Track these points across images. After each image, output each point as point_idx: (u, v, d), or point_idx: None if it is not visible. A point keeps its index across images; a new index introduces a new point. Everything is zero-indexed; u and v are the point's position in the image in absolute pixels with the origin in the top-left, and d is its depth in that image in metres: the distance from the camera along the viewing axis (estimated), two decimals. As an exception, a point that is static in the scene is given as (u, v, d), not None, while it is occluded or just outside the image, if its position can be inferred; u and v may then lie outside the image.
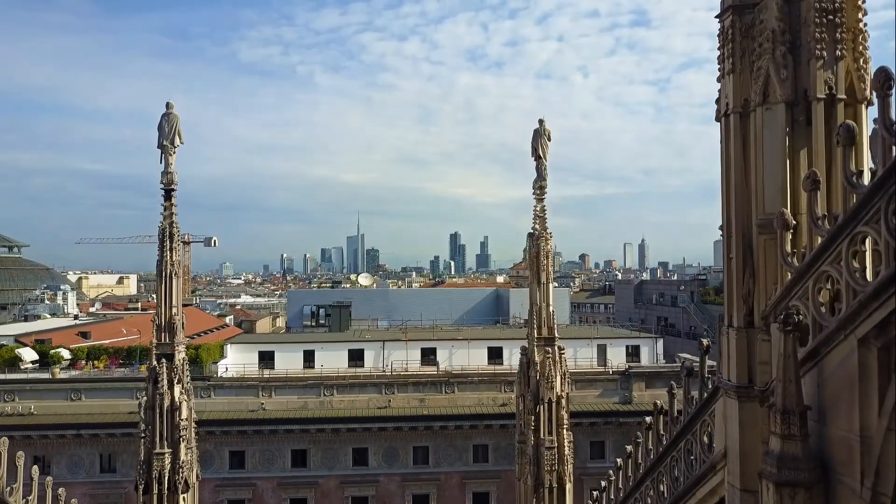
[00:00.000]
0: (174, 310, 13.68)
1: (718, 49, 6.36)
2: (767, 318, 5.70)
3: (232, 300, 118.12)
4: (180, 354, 13.70)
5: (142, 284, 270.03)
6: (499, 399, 40.93)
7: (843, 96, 5.82)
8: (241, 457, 38.66)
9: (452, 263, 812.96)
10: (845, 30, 5.71)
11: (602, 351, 47.28)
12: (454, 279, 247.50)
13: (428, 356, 45.73)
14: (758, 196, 6.06)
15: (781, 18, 5.75)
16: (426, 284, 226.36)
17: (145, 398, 13.49)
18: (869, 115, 6.01)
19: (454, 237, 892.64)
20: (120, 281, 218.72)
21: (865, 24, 5.96)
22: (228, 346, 44.03)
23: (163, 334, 13.59)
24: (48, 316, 67.24)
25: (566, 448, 15.79)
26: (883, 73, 4.31)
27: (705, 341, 8.72)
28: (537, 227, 15.66)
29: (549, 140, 14.96)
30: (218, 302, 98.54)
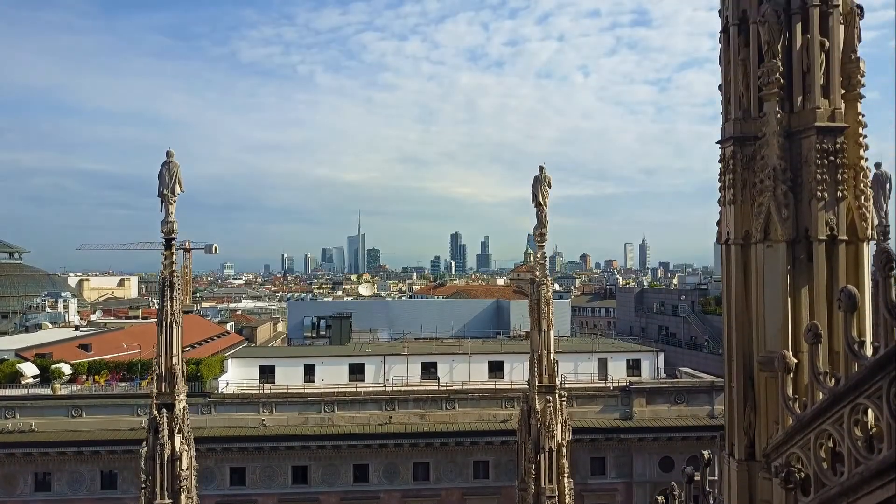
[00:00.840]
0: (175, 359, 13.68)
1: (720, 176, 6.33)
2: (769, 457, 5.68)
3: (233, 305, 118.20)
4: (181, 404, 13.70)
5: (143, 286, 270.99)
6: (499, 415, 40.89)
7: (845, 237, 5.80)
8: (242, 473, 38.69)
9: (453, 263, 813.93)
10: (846, 168, 5.71)
11: (603, 365, 47.30)
12: (455, 281, 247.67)
13: (429, 370, 45.76)
14: (759, 331, 6.00)
15: (782, 157, 5.72)
16: (427, 288, 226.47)
17: (146, 448, 13.45)
18: (870, 251, 5.99)
19: (455, 237, 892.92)
20: (121, 283, 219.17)
21: (867, 160, 5.95)
22: (229, 360, 44.07)
23: (163, 384, 13.58)
24: (49, 325, 67.26)
25: (567, 496, 15.75)
26: (884, 254, 4.27)
27: (706, 454, 8.57)
28: (538, 273, 15.63)
29: (550, 186, 14.94)
30: (218, 308, 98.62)
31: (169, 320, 13.64)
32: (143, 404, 39.20)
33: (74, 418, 38.84)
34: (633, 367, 47.65)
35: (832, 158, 5.72)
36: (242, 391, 42.98)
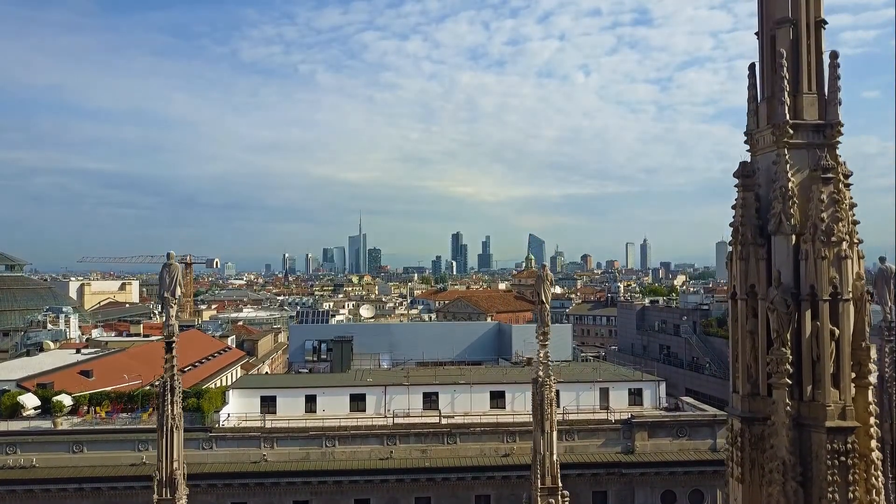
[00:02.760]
0: (175, 464, 13.58)
1: (726, 452, 6.22)
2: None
3: (234, 314, 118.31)
4: (182, 510, 13.58)
5: (144, 289, 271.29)
6: (501, 450, 40.85)
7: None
8: (244, 509, 38.66)
9: (454, 263, 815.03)
10: (857, 467, 5.55)
11: (604, 394, 47.15)
12: (456, 286, 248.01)
13: (430, 400, 45.66)
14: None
15: (792, 451, 5.56)
16: (428, 293, 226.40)
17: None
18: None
19: (456, 237, 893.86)
20: (122, 287, 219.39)
21: (877, 453, 5.77)
22: (230, 391, 43.98)
23: (164, 489, 13.49)
24: (51, 343, 67.29)
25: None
26: None
27: None
28: (541, 374, 15.48)
29: (553, 285, 14.82)
30: (219, 321, 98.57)
31: (169, 425, 13.55)
32: (145, 440, 39.26)
33: (76, 454, 38.83)
34: (635, 395, 47.49)
35: (843, 459, 5.53)
36: (244, 422, 42.87)
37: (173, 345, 13.85)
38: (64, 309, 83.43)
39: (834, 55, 6.96)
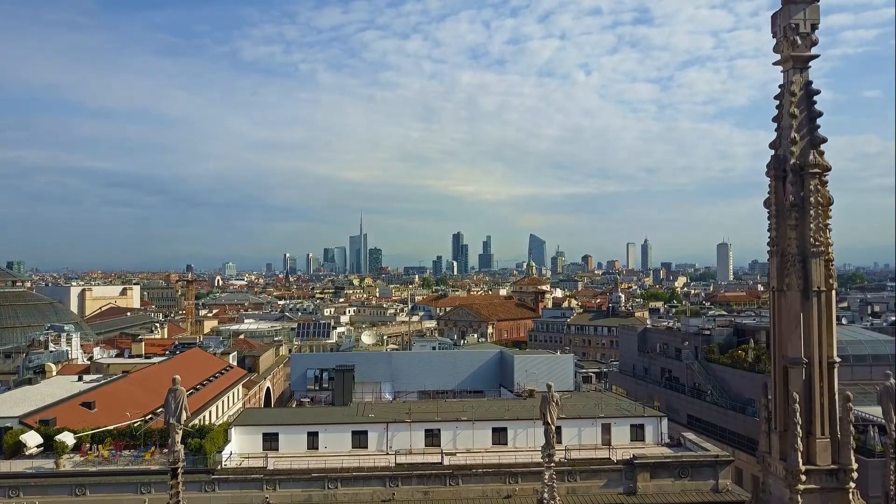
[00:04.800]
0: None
1: None
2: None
3: (234, 327, 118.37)
4: None
5: (145, 293, 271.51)
6: (503, 490, 40.86)
7: None
8: (246, 552, 38.66)
9: (455, 264, 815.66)
10: None
11: (606, 429, 47.13)
12: (457, 293, 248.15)
13: (432, 435, 45.66)
14: None
15: None
16: (428, 299, 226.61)
17: None
18: None
19: (457, 237, 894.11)
20: (123, 293, 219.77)
21: None
22: (232, 429, 43.99)
23: None
24: (53, 367, 67.42)
25: None
26: None
27: None
28: (545, 495, 15.43)
29: (558, 405, 14.79)
30: (220, 336, 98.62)
31: (174, 552, 13.51)
32: (147, 482, 39.30)
33: (78, 496, 38.86)
34: (637, 430, 47.46)
35: None
36: (246, 460, 42.91)
37: (178, 471, 13.81)
38: (66, 327, 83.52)
39: (846, 398, 6.91)
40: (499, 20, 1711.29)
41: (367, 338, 76.56)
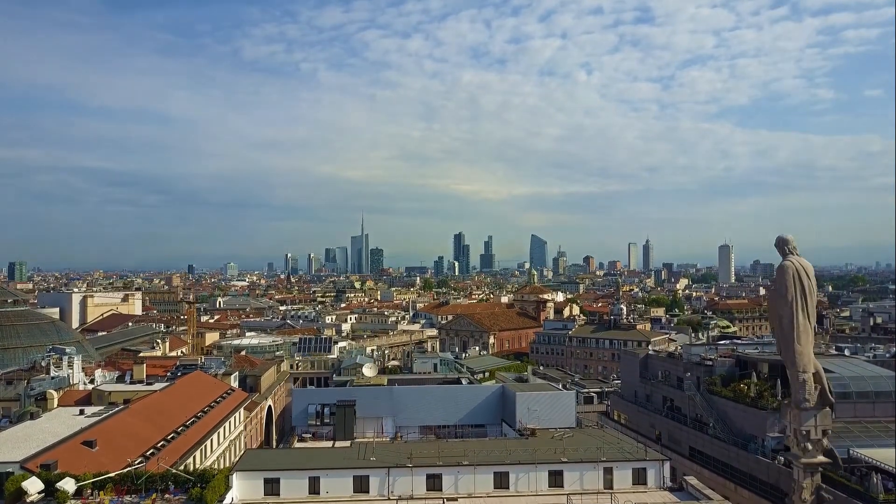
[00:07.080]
0: None
1: None
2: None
3: (235, 342, 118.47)
4: None
5: (146, 298, 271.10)
6: (504, 541, 40.76)
7: None
8: None
9: (456, 264, 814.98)
10: None
11: (608, 472, 46.98)
12: (458, 300, 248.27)
13: (433, 479, 45.57)
14: None
15: None
16: (430, 307, 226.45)
17: None
18: None
19: (458, 237, 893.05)
20: (125, 299, 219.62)
21: None
22: (233, 475, 43.90)
23: None
24: (54, 393, 67.49)
25: None
26: None
27: None
28: None
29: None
30: (221, 357, 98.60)
31: None
32: (148, 534, 39.19)
33: (79, 549, 38.77)
34: (639, 474, 47.29)
35: None
36: (247, 506, 42.87)
37: None
38: (67, 349, 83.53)
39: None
40: (500, 19, 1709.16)
41: (367, 370, 76.52)
